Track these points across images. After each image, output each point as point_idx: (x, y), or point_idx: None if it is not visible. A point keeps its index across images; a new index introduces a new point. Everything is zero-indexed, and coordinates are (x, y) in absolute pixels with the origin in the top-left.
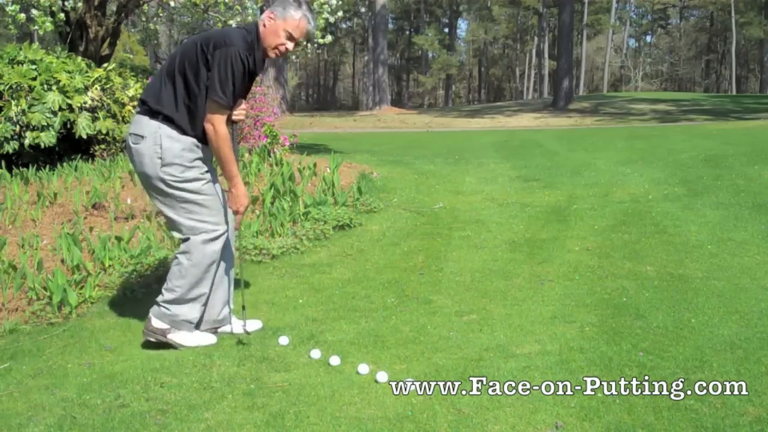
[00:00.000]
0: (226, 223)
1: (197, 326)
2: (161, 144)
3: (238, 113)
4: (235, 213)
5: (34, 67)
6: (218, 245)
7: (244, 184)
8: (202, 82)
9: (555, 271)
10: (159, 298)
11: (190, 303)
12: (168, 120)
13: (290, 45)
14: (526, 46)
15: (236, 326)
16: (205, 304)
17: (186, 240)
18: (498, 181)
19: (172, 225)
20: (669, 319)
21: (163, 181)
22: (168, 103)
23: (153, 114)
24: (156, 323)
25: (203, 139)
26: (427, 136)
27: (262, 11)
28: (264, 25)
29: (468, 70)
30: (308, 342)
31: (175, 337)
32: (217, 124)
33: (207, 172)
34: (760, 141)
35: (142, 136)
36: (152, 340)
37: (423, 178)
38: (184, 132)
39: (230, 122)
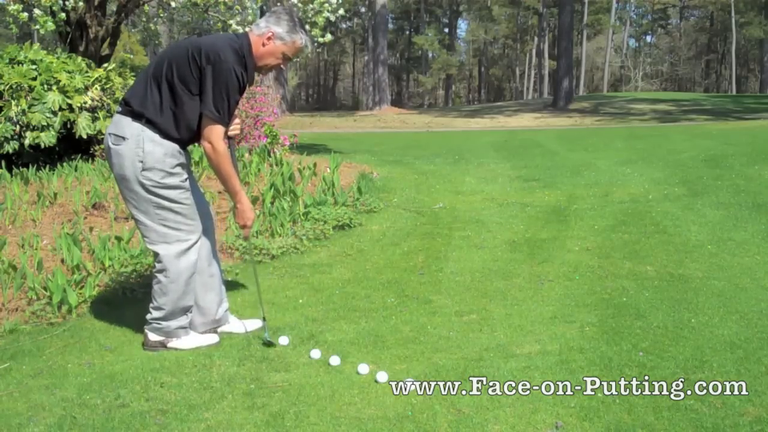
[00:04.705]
0: (201, 230)
1: (194, 329)
2: (143, 147)
3: (234, 128)
4: (243, 228)
5: (34, 67)
6: (192, 256)
7: (245, 191)
8: (190, 91)
9: (555, 271)
10: (148, 317)
11: (179, 315)
12: (151, 123)
13: (284, 65)
14: (526, 46)
15: (235, 325)
16: (191, 311)
17: (158, 258)
18: (498, 181)
19: (143, 231)
20: (669, 319)
21: (141, 185)
22: (153, 107)
23: (136, 116)
24: (153, 337)
25: (185, 144)
26: (427, 136)
27: (262, 11)
28: (263, 45)
29: (468, 70)
30: (308, 342)
31: (174, 344)
32: (215, 141)
33: (186, 179)
34: (760, 141)
35: (124, 138)
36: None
37: (423, 178)
38: (167, 136)
39: (227, 138)
